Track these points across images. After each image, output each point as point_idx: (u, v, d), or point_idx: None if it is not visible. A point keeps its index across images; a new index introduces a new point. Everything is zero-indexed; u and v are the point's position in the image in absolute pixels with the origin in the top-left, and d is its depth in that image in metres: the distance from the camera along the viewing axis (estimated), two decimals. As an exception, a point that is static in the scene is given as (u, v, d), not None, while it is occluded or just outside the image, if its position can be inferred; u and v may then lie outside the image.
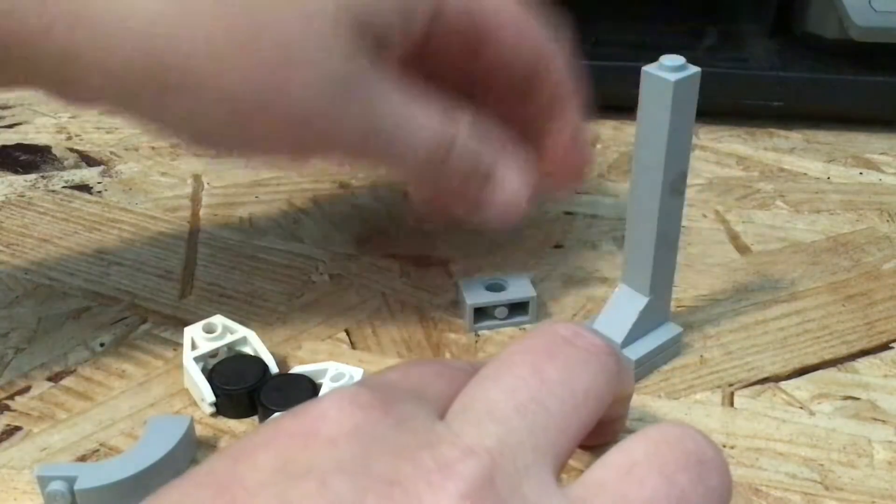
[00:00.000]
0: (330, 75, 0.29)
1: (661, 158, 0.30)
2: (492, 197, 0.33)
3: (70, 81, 0.28)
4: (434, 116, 0.31)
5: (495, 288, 0.36)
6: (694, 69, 0.29)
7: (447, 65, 0.33)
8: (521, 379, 0.21)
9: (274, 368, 0.32)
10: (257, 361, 0.32)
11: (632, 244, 0.33)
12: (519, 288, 0.36)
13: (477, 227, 0.33)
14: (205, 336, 0.33)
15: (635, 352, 0.33)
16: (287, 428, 0.19)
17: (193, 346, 0.33)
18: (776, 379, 0.33)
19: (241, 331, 0.33)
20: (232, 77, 0.28)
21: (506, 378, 0.21)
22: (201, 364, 0.32)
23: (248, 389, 0.31)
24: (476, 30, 0.32)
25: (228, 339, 0.33)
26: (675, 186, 0.31)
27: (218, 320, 0.34)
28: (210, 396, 0.31)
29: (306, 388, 0.31)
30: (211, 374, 0.32)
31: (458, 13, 0.32)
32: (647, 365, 0.33)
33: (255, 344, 0.33)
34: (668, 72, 0.29)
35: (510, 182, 0.33)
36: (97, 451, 0.30)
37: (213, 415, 0.31)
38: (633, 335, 0.33)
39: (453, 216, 0.34)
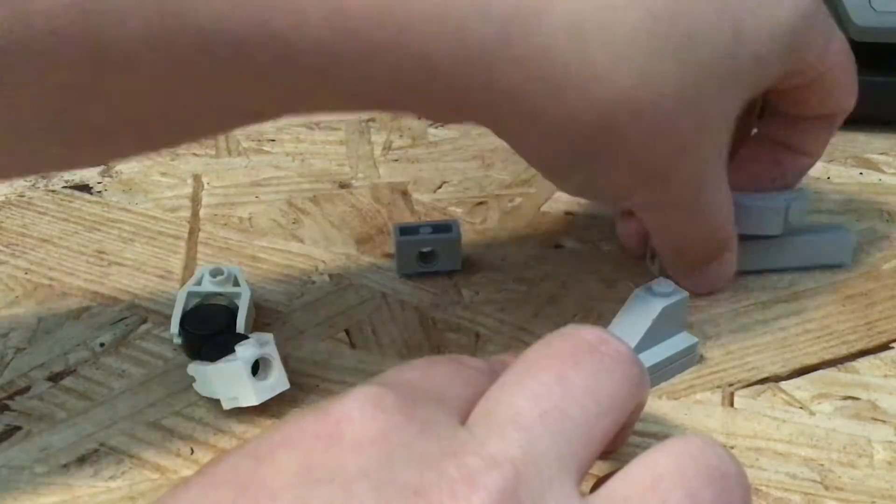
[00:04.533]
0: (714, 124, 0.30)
1: None
2: (718, 271, 0.36)
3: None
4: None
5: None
6: None
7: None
8: (546, 386, 0.21)
9: (241, 328, 0.34)
10: (230, 314, 0.34)
11: None
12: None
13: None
14: (210, 279, 0.35)
15: (646, 360, 0.32)
16: (309, 428, 0.19)
17: (199, 283, 0.35)
18: (776, 379, 0.33)
19: (244, 289, 0.35)
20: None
21: (530, 384, 0.21)
22: (196, 300, 0.35)
23: (202, 336, 0.33)
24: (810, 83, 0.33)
25: (228, 289, 0.35)
26: None
27: (234, 270, 0.36)
28: (175, 328, 0.34)
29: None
30: (188, 312, 0.34)
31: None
32: (659, 374, 0.32)
33: (243, 303, 0.34)
34: None
35: (731, 260, 0.36)
36: (97, 451, 0.30)
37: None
38: (646, 342, 0.32)
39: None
